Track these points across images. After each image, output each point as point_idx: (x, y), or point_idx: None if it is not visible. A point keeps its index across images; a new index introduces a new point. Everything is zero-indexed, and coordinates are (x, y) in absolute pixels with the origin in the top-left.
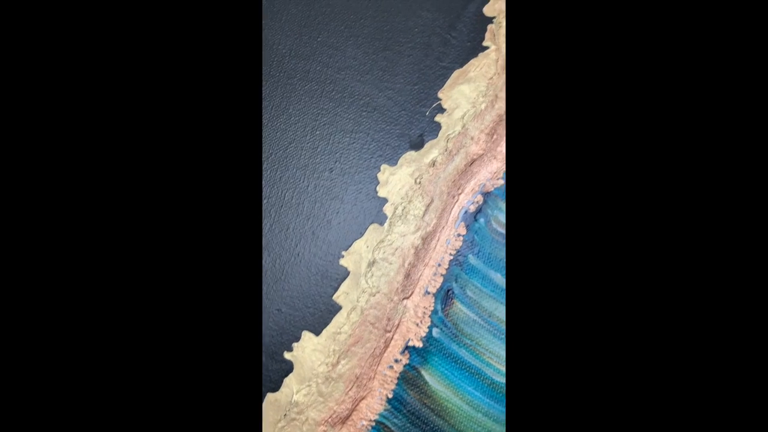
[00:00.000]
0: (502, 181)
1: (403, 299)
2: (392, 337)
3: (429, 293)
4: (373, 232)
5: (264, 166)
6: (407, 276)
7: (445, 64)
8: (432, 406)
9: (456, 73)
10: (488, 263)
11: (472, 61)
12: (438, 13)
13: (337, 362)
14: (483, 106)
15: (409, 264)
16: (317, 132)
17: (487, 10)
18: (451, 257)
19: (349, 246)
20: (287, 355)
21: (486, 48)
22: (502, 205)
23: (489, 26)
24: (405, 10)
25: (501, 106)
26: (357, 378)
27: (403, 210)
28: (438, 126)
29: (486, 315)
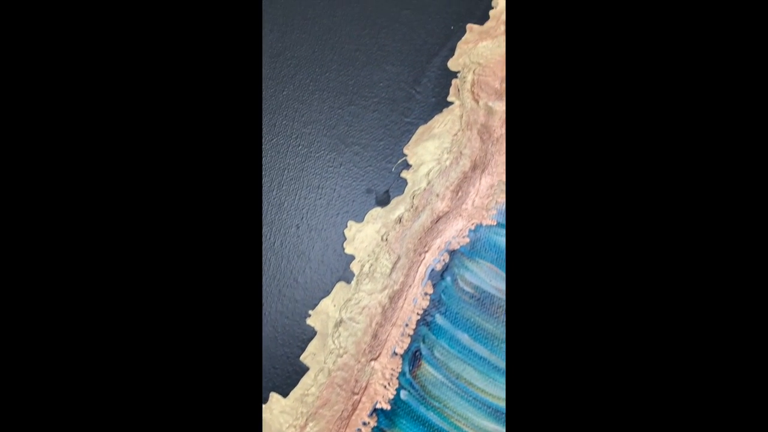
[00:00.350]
0: (467, 239)
1: (371, 360)
2: (360, 400)
3: (397, 354)
4: (340, 291)
5: None
6: (375, 336)
7: (409, 120)
8: None
9: (421, 128)
10: (455, 323)
11: (436, 116)
12: (402, 67)
13: (305, 425)
14: (448, 162)
15: (377, 324)
16: (284, 187)
17: (452, 65)
18: (419, 317)
19: (316, 305)
20: None
21: (450, 103)
22: (469, 263)
23: (453, 81)
24: (370, 64)
25: (465, 163)
26: None
27: (370, 267)
28: (404, 182)
29: (453, 377)
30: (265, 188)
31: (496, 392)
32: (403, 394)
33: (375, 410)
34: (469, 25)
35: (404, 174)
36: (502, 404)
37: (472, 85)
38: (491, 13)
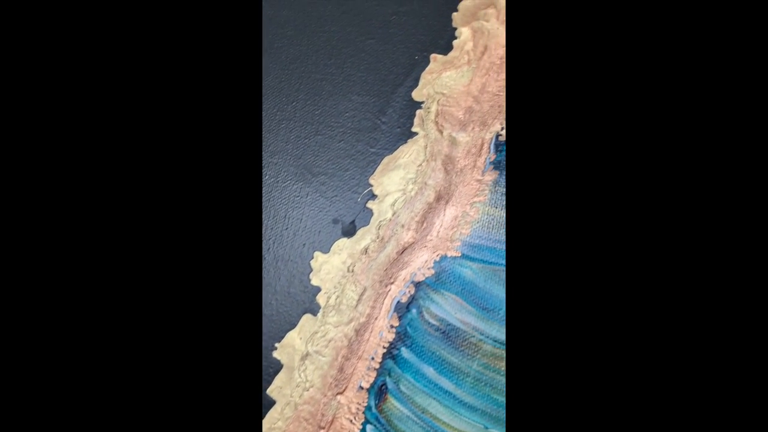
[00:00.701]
0: (432, 271)
1: (337, 394)
2: None
3: (363, 388)
4: (306, 323)
5: None
6: (341, 370)
7: (375, 150)
8: None
9: (386, 159)
10: (421, 356)
11: (401, 147)
12: (368, 97)
13: None
14: (413, 193)
15: (343, 357)
16: None
17: (416, 95)
18: (385, 350)
19: (282, 337)
20: None
21: (415, 134)
22: (434, 295)
23: (418, 111)
24: (336, 94)
25: (430, 193)
26: None
27: (336, 299)
28: (370, 213)
29: (419, 411)
30: None
31: (462, 426)
32: (369, 429)
33: None
34: (433, 55)
35: (370, 204)
36: None
37: (436, 116)
38: (455, 43)
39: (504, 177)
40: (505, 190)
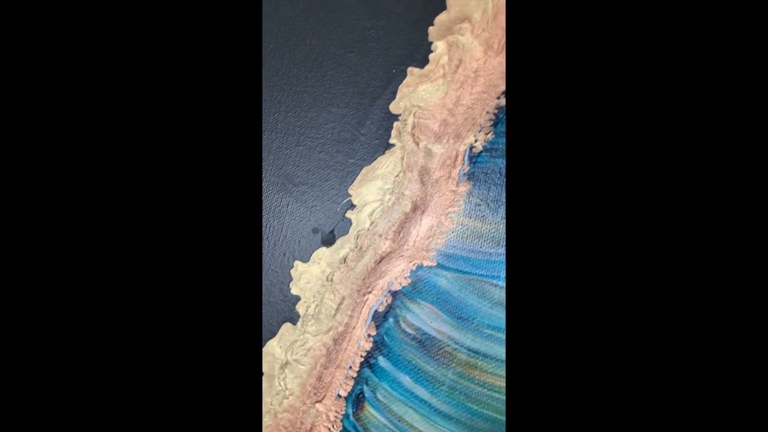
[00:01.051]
0: (409, 280)
1: (315, 403)
2: None
3: (341, 397)
4: (286, 332)
5: None
6: (319, 378)
7: (354, 161)
8: None
9: (365, 169)
10: (397, 365)
11: (379, 158)
12: (347, 109)
13: None
14: (390, 203)
15: (321, 366)
16: None
17: (393, 108)
18: (362, 359)
19: (263, 346)
20: None
21: (392, 145)
22: (410, 305)
23: (395, 123)
24: (316, 106)
25: (406, 204)
26: None
27: (315, 308)
28: (349, 222)
29: (396, 419)
30: None
31: None
32: None
33: None
34: (409, 69)
35: (349, 214)
36: None
37: (413, 128)
38: (431, 56)
39: (477, 188)
40: (479, 200)
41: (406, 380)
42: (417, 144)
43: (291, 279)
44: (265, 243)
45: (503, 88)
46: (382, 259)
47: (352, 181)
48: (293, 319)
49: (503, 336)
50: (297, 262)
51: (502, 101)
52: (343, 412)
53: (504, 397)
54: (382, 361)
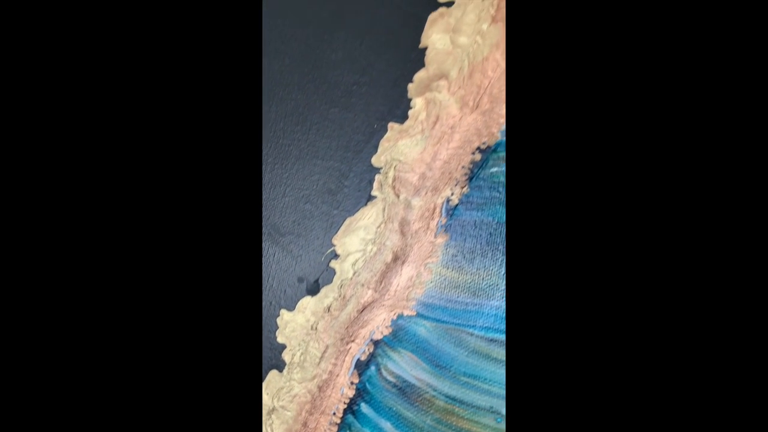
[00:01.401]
0: (390, 329)
1: None
2: None
3: None
4: (273, 379)
5: None
6: (304, 425)
7: (337, 212)
8: None
9: (348, 220)
10: (379, 411)
11: (362, 209)
12: (332, 162)
13: None
14: (372, 253)
15: (306, 412)
16: None
17: (375, 161)
18: (345, 405)
19: None
20: None
21: (374, 197)
22: (391, 353)
23: (377, 176)
24: (302, 158)
25: (387, 254)
26: None
27: (300, 356)
28: (333, 272)
29: None
30: None
31: None
32: None
33: None
34: (390, 124)
35: (333, 264)
36: None
37: (393, 181)
38: (410, 112)
39: (454, 239)
40: (456, 251)
41: (387, 426)
42: (398, 196)
43: (277, 327)
44: None
45: (478, 144)
46: (364, 308)
47: (336, 231)
48: (279, 366)
49: (479, 383)
50: (283, 311)
51: (477, 156)
52: None
53: None
54: (364, 407)
